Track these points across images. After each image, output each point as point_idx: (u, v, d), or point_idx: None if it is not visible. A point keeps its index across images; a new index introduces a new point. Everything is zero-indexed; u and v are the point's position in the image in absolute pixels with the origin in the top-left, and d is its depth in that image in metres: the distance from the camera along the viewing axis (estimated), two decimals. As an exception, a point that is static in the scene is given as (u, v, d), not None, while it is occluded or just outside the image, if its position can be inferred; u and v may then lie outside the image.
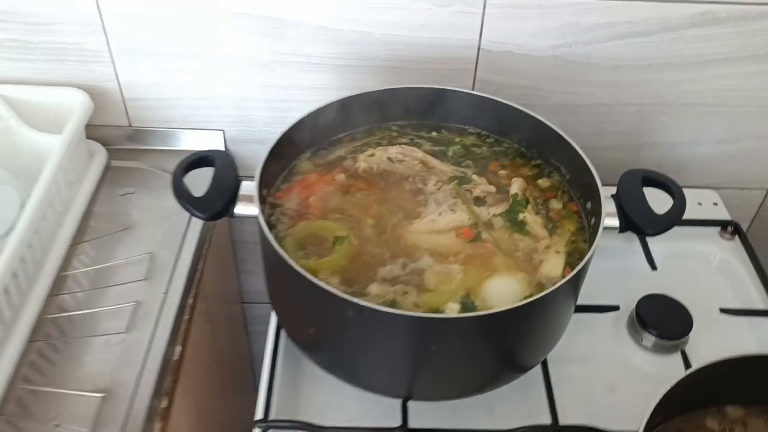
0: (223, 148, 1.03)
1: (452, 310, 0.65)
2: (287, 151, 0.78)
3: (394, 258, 0.70)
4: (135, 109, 1.01)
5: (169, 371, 0.80)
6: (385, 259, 0.70)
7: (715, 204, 1.00)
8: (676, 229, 0.91)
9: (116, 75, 0.97)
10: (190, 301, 0.87)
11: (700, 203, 0.99)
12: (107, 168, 1.00)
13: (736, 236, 0.94)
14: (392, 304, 0.65)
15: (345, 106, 0.81)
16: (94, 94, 0.96)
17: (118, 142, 1.03)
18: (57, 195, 0.88)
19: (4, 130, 0.91)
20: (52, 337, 0.79)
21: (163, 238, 0.91)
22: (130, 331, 0.80)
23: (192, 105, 1.00)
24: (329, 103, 0.80)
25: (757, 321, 0.83)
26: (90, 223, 0.93)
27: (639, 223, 0.69)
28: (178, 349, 0.82)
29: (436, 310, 0.65)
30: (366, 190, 0.77)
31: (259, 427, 0.70)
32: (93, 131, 1.00)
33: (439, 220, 0.74)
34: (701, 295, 0.85)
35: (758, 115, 1.00)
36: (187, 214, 0.92)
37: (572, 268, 0.66)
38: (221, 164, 0.72)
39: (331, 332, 0.66)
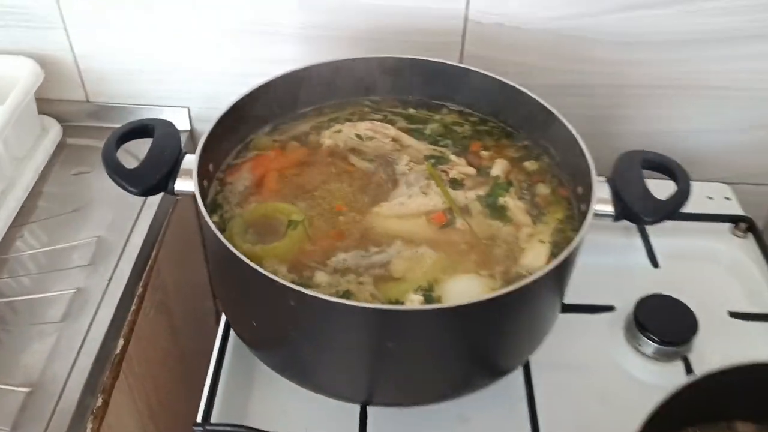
0: (188, 127, 0.95)
1: (413, 303, 0.56)
2: (243, 123, 0.70)
3: (354, 245, 0.61)
4: (92, 82, 0.93)
5: (108, 366, 0.71)
6: (343, 247, 0.61)
7: (728, 198, 0.90)
8: (682, 224, 0.83)
9: (70, 43, 0.89)
10: (140, 290, 0.79)
11: (710, 197, 0.89)
12: (62, 145, 0.93)
13: (750, 234, 0.84)
14: (345, 295, 0.56)
15: (311, 76, 0.73)
16: (47, 64, 0.88)
17: (75, 118, 0.95)
18: (-4, 173, 0.80)
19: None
20: (-21, 327, 0.71)
21: (113, 221, 0.83)
22: (67, 320, 0.72)
23: (154, 78, 0.92)
24: (293, 71, 0.72)
25: (771, 327, 0.74)
26: (38, 203, 0.85)
27: (636, 209, 0.60)
28: (120, 342, 0.74)
29: (396, 302, 0.56)
30: (329, 169, 0.69)
31: (197, 428, 0.62)
32: (48, 106, 0.93)
33: (408, 204, 0.65)
34: (708, 297, 0.76)
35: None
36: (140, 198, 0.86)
37: (557, 260, 0.57)
38: (162, 134, 0.64)
39: (274, 326, 0.57)
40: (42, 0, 0.84)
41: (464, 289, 0.58)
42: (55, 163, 0.90)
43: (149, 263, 0.82)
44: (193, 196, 0.60)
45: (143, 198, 0.86)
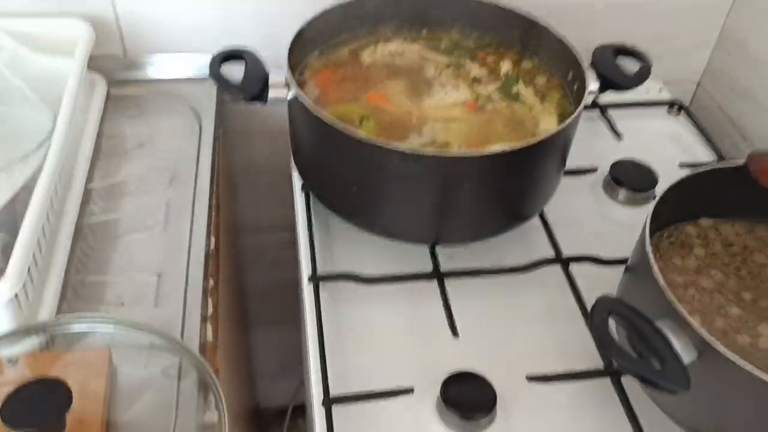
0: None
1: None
2: (300, 49, 0.87)
3: (413, 129, 0.80)
4: (130, 38, 1.05)
5: (211, 257, 0.87)
6: (405, 132, 0.80)
7: (660, 90, 1.15)
8: (632, 110, 1.07)
9: (113, 4, 1.01)
10: (214, 201, 0.95)
11: (648, 90, 1.13)
12: (108, 97, 1.05)
13: (681, 111, 1.09)
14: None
15: (345, 10, 0.90)
16: (92, 23, 1.00)
17: (114, 72, 1.08)
18: (75, 115, 0.93)
19: (11, 60, 0.95)
20: (93, 238, 0.85)
21: (178, 149, 0.97)
22: (168, 225, 0.87)
23: (185, 30, 1.06)
24: (331, 8, 0.88)
25: (709, 171, 0.98)
26: (103, 142, 0.98)
27: (616, 81, 0.82)
28: (212, 240, 0.90)
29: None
30: (375, 79, 0.87)
31: (312, 281, 0.79)
32: (90, 62, 1.04)
33: (447, 98, 0.84)
34: (660, 157, 0.99)
35: (685, 13, 1.15)
36: (196, 130, 1.01)
37: (565, 123, 0.78)
38: (251, 58, 0.81)
39: (375, 187, 0.75)
40: (90, -35, 0.97)
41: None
42: (107, 112, 1.03)
43: (215, 180, 0.97)
44: (286, 100, 0.78)
45: (198, 131, 1.00)
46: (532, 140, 0.73)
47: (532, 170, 0.78)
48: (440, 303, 0.78)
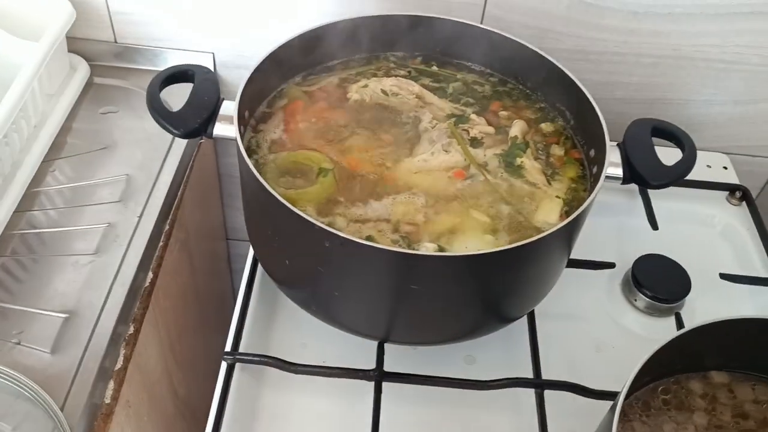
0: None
1: (428, 250, 0.60)
2: (275, 73, 0.73)
3: (378, 196, 0.66)
4: (121, 24, 0.95)
5: (139, 298, 0.76)
6: (368, 196, 0.65)
7: (725, 168, 0.95)
8: (681, 190, 0.88)
9: (103, -15, 0.91)
10: (167, 227, 0.83)
11: (709, 165, 0.94)
12: (89, 84, 0.95)
13: (744, 202, 0.89)
14: (368, 240, 0.61)
15: (340, 30, 0.76)
16: (77, 2, 0.90)
17: (101, 58, 0.98)
18: (32, 106, 0.83)
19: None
20: (18, 254, 0.76)
21: (142, 160, 0.86)
22: (100, 253, 0.76)
23: (182, 23, 0.94)
24: (323, 26, 0.74)
25: (758, 289, 0.79)
26: (67, 139, 0.89)
27: (644, 173, 0.65)
28: (149, 276, 0.78)
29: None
30: (355, 122, 0.73)
31: (227, 360, 0.67)
32: (75, 44, 0.95)
33: (431, 160, 0.69)
34: (702, 259, 0.81)
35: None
36: (169, 137, 0.90)
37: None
38: (202, 80, 0.67)
39: (306, 265, 0.61)
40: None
41: (481, 240, 0.62)
42: (83, 102, 0.93)
43: (176, 202, 0.86)
44: (231, 140, 0.64)
45: (170, 139, 0.89)
46: (516, 243, 0.57)
47: (517, 274, 0.62)
48: (371, 412, 0.64)
